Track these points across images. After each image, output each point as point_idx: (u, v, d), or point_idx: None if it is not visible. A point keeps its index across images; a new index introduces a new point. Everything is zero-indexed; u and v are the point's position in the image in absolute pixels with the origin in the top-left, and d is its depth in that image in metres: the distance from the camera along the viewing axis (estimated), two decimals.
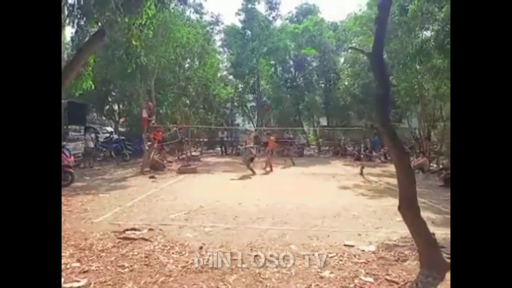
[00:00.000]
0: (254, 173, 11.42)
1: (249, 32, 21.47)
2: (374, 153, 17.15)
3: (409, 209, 3.56)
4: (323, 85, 24.25)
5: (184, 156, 15.86)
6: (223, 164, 14.69)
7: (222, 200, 7.11)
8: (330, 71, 23.33)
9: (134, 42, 5.76)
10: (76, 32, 6.14)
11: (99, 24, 5.87)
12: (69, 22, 5.53)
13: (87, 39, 6.01)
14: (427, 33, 11.68)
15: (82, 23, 5.81)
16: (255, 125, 25.24)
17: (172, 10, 12.86)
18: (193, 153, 17.09)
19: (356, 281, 3.40)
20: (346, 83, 23.06)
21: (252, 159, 11.97)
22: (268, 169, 12.48)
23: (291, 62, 23.98)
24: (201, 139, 21.06)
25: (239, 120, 28.61)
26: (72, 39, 6.24)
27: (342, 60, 24.59)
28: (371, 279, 3.43)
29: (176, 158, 15.75)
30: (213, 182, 10.04)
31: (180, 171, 11.58)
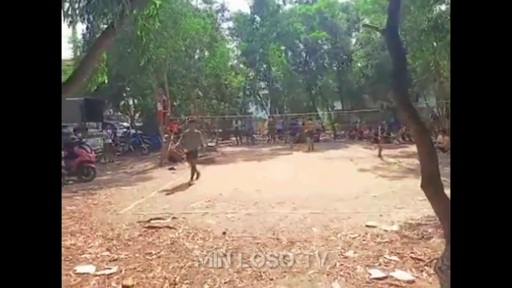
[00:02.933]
0: (195, 177, 8.17)
1: (258, 18, 21.20)
2: (391, 134, 16.86)
3: (431, 186, 3.50)
4: (335, 68, 23.86)
5: (200, 147, 16.02)
6: (239, 153, 14.77)
7: (240, 187, 7.18)
8: (342, 53, 22.90)
9: (138, 33, 5.77)
10: (87, 28, 6.22)
11: (108, 18, 5.91)
12: (80, 19, 5.59)
13: (98, 34, 6.08)
14: (442, 7, 11.23)
15: (92, 18, 5.87)
16: (268, 113, 25.16)
17: (180, 1, 12.83)
18: (209, 144, 17.23)
19: (380, 260, 3.41)
20: (359, 65, 22.63)
21: (192, 155, 8.42)
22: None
23: (302, 46, 23.64)
24: (215, 130, 21.18)
25: (252, 108, 28.54)
26: (84, 35, 6.32)
27: (353, 41, 24.06)
28: (396, 258, 3.43)
29: None
30: (230, 171, 10.14)
31: (198, 162, 11.72)
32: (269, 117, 23.25)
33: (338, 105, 26.30)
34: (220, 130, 21.61)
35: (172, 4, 11.63)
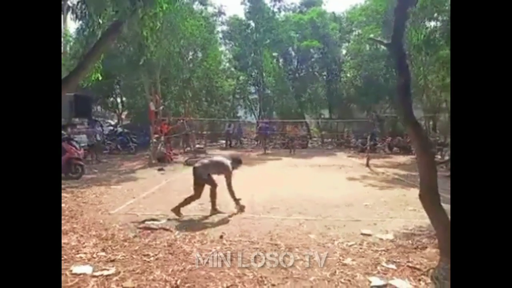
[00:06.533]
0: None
1: (252, 24, 21.33)
2: (378, 145, 17.14)
3: (430, 197, 3.60)
4: (325, 77, 24.21)
5: (189, 148, 15.90)
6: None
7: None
8: (332, 63, 23.26)
9: (144, 33, 5.72)
10: (87, 24, 6.10)
11: (114, 15, 5.83)
12: (79, 15, 5.49)
13: (100, 31, 5.98)
14: (434, 24, 11.62)
15: (94, 15, 5.78)
16: (257, 117, 25.22)
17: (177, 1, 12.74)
18: (198, 146, 17.11)
19: (378, 268, 3.47)
20: (348, 75, 23.10)
21: None
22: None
23: (293, 54, 23.90)
24: (204, 132, 21.05)
25: (241, 112, 28.53)
26: (81, 30, 6.18)
27: (344, 51, 24.51)
28: (393, 266, 3.50)
29: (181, 151, 15.77)
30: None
31: (187, 164, 11.60)
32: (257, 122, 23.31)
33: (326, 113, 26.62)
34: (209, 133, 21.49)
35: (169, 4, 11.55)
